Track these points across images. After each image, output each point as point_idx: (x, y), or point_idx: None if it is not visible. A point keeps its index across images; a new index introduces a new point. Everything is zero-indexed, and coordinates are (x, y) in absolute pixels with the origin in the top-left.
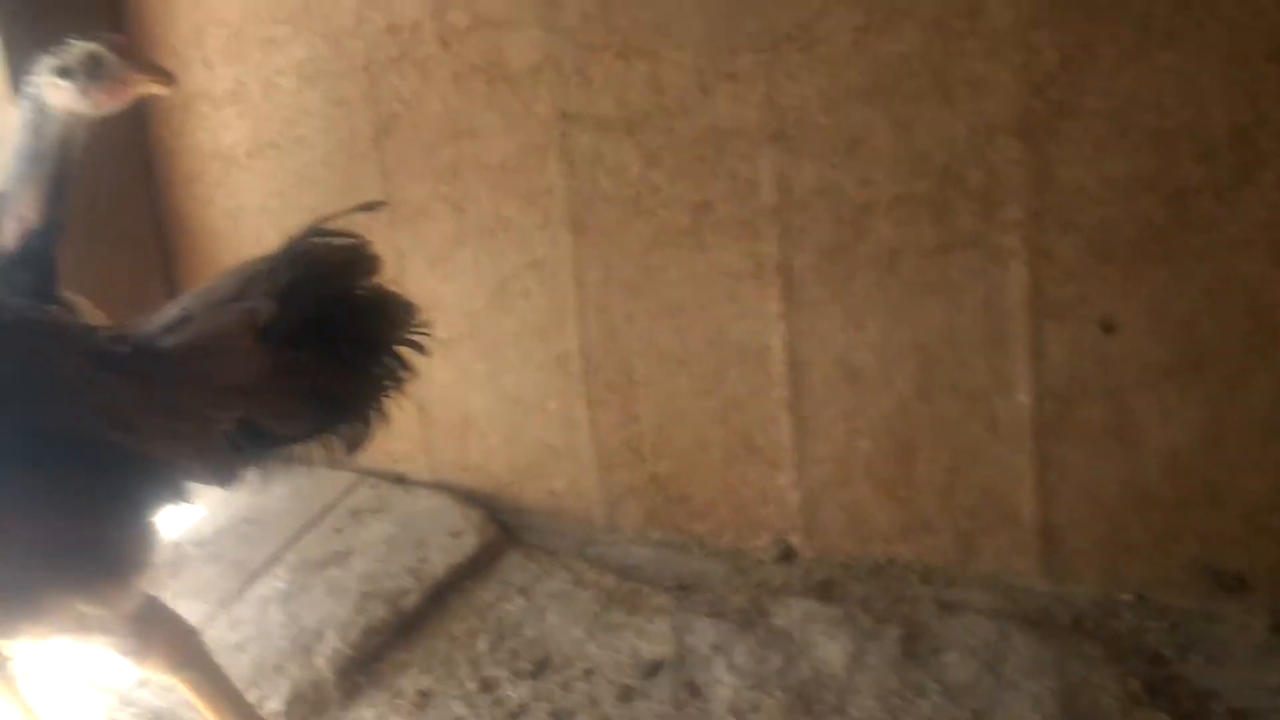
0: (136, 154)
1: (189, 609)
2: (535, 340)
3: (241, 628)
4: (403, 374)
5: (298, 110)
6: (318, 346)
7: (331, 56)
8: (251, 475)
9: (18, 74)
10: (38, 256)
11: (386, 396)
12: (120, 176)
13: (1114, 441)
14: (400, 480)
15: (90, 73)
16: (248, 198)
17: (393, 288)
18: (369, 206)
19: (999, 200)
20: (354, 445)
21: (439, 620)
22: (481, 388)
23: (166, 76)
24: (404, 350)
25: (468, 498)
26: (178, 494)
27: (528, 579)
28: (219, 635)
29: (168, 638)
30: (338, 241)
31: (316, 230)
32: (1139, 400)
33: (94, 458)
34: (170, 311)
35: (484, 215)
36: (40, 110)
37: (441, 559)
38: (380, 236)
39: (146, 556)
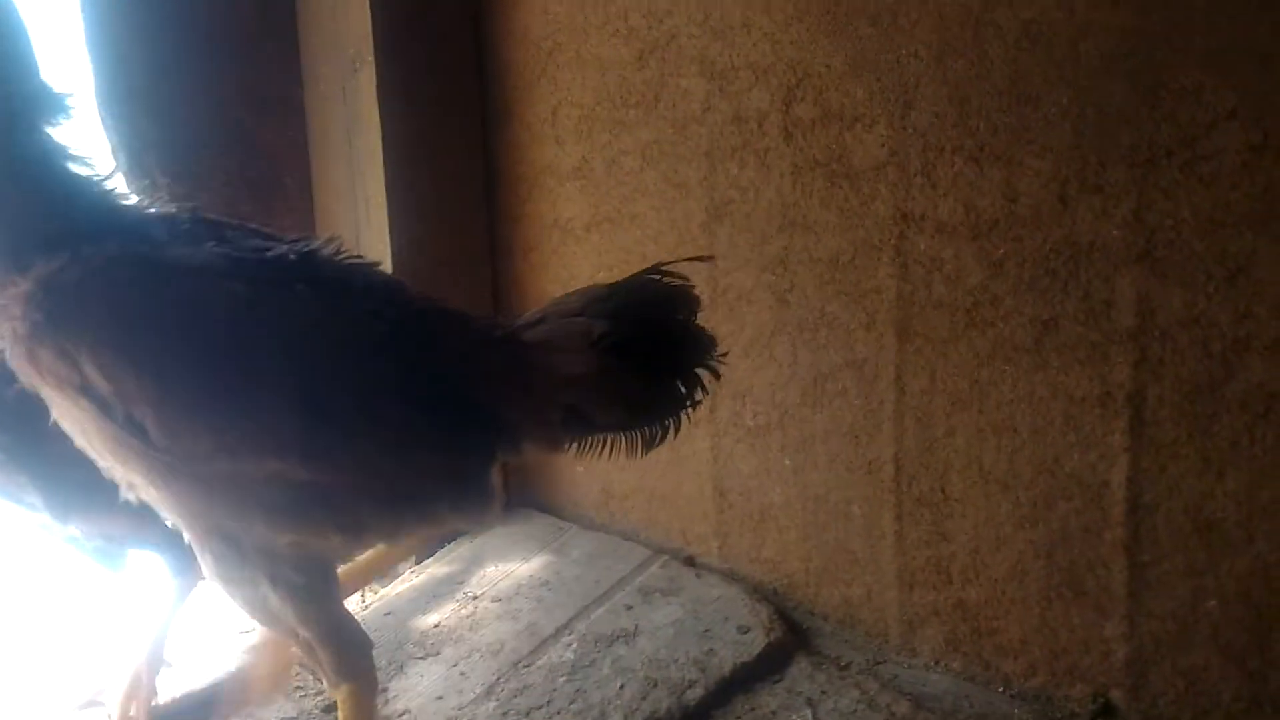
0: (482, 220)
1: (482, 666)
2: (846, 441)
3: (529, 694)
4: (699, 393)
5: (636, 189)
6: (637, 359)
7: (675, 140)
8: (569, 447)
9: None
10: None
11: (683, 410)
12: (466, 240)
13: None
14: (691, 563)
15: None
16: (580, 268)
17: (702, 324)
18: (701, 259)
19: None
20: (649, 445)
21: None
22: (785, 481)
23: None
24: (703, 374)
25: (758, 591)
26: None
27: (815, 690)
28: (506, 699)
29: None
30: (668, 281)
31: (654, 270)
32: None
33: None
34: (531, 314)
35: (808, 309)
36: None
37: (729, 654)
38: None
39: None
